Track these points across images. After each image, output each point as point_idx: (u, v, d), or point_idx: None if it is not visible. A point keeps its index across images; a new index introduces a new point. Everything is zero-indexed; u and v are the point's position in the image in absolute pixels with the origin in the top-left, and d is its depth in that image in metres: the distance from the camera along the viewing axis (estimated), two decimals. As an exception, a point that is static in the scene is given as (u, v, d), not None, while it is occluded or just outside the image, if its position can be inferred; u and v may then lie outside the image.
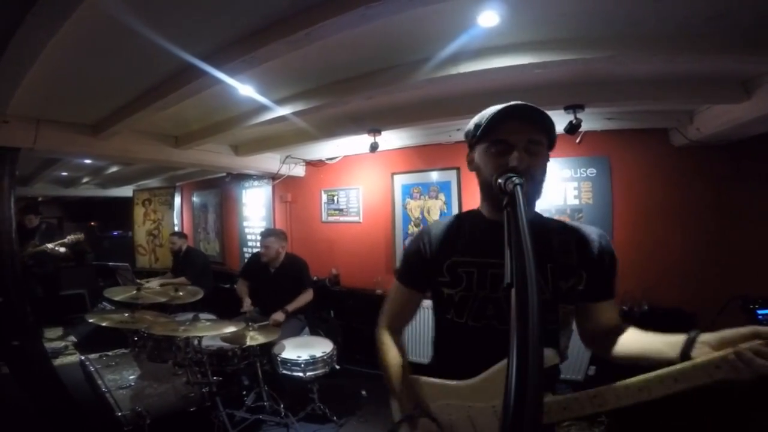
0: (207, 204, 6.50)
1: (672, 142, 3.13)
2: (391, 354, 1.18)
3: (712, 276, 2.97)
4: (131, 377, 2.85)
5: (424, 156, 4.16)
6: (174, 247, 5.02)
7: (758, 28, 1.71)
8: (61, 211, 9.74)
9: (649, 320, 3.03)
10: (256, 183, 5.61)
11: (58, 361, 4.02)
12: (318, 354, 2.88)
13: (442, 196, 4.06)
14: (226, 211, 6.18)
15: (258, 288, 3.71)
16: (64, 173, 6.41)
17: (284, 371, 2.88)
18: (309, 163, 5.07)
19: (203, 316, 3.16)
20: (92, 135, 3.28)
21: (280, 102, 2.76)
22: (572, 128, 2.63)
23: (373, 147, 3.39)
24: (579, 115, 2.60)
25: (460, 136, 3.61)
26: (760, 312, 2.38)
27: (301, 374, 2.83)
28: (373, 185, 4.54)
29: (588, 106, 2.57)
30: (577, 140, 3.40)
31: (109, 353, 3.26)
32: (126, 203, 7.58)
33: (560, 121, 2.75)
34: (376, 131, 3.33)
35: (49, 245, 4.51)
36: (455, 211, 3.97)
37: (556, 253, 1.03)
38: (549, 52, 1.92)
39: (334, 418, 2.97)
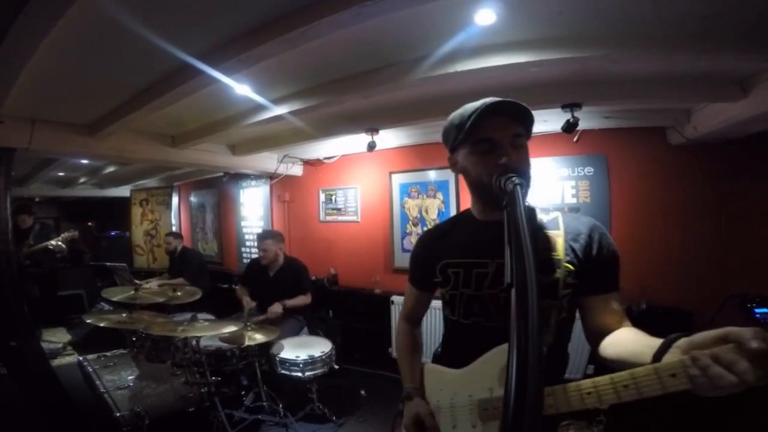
0: (204, 204, 6.49)
1: (669, 141, 3.13)
2: (405, 345, 1.35)
3: (710, 274, 2.98)
4: (130, 377, 2.85)
5: (422, 155, 4.16)
6: (169, 247, 5.01)
7: (755, 27, 1.71)
8: (59, 211, 9.71)
9: (647, 319, 3.03)
10: (253, 182, 5.60)
11: (56, 362, 4.01)
12: (317, 354, 2.88)
13: (440, 195, 4.06)
14: (223, 211, 6.16)
15: (258, 291, 3.70)
16: (61, 173, 6.38)
17: (283, 371, 2.88)
18: (307, 163, 5.07)
19: (201, 316, 3.16)
20: (88, 135, 3.26)
21: (277, 101, 2.75)
22: (569, 127, 2.63)
23: (371, 146, 3.38)
24: (576, 114, 2.60)
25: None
26: (757, 310, 2.39)
27: (299, 374, 2.82)
28: (371, 184, 4.53)
29: (585, 105, 2.57)
30: (575, 139, 3.40)
31: (108, 354, 3.25)
32: (123, 203, 7.56)
33: (557, 119, 2.76)
34: (373, 130, 3.32)
35: (52, 242, 4.52)
36: (453, 209, 3.97)
37: (537, 247, 1.01)
38: (546, 50, 1.92)
39: (333, 417, 2.98)
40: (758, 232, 2.79)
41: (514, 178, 0.80)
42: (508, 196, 0.77)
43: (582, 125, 2.95)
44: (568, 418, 0.91)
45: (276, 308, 3.29)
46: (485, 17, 1.71)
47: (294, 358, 2.84)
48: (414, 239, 4.16)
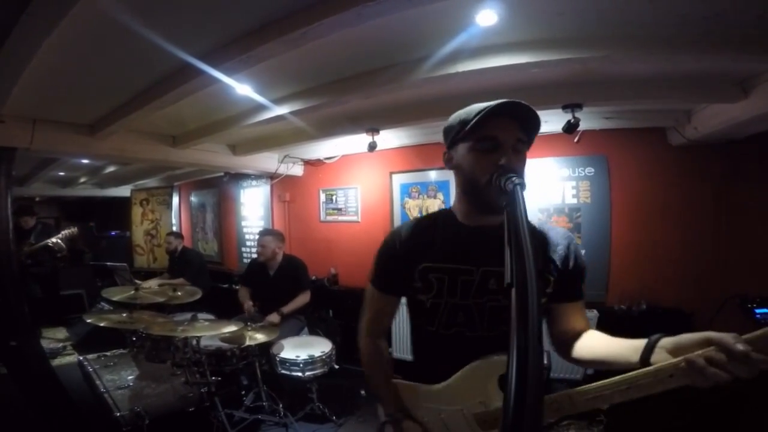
0: (205, 204, 6.49)
1: (670, 141, 3.13)
2: (375, 362, 1.19)
3: (710, 275, 2.98)
4: (130, 377, 2.85)
5: (423, 155, 4.16)
6: (170, 247, 5.00)
7: (755, 28, 1.71)
8: (59, 211, 9.71)
9: (647, 319, 3.04)
10: (254, 182, 5.60)
11: (56, 362, 4.01)
12: (317, 354, 2.88)
13: (440, 196, 4.07)
14: (224, 211, 6.17)
15: (258, 291, 3.71)
16: (62, 173, 6.39)
17: (283, 371, 2.88)
18: (307, 163, 5.07)
19: (201, 316, 3.16)
20: (89, 135, 3.27)
21: (278, 101, 2.75)
22: (570, 127, 2.63)
23: (372, 146, 3.39)
24: (577, 114, 2.60)
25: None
26: (758, 311, 2.39)
27: (299, 374, 2.82)
28: (372, 184, 4.53)
29: (586, 105, 2.57)
30: (576, 139, 3.40)
31: (108, 353, 3.25)
32: (124, 203, 7.57)
33: (558, 120, 2.76)
34: (374, 130, 3.33)
35: (51, 240, 4.52)
36: (454, 210, 3.96)
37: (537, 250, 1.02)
38: (547, 51, 1.92)
39: (333, 417, 2.97)
40: (759, 232, 2.79)
41: (514, 178, 0.79)
42: (508, 196, 0.77)
43: (582, 126, 2.95)
44: (569, 418, 0.92)
45: (273, 318, 3.30)
46: (486, 18, 1.71)
47: (294, 357, 2.84)
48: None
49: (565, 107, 2.58)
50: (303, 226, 5.18)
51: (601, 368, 0.95)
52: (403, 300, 1.19)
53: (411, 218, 4.11)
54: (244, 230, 5.76)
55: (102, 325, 2.84)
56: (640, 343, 0.84)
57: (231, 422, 2.70)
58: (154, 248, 7.00)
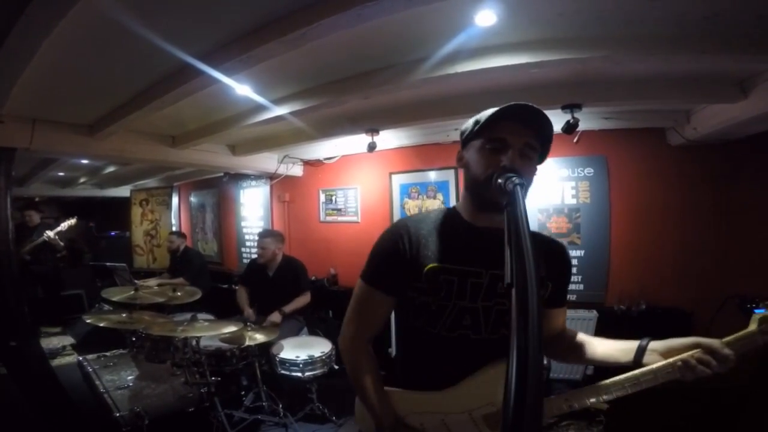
0: (205, 204, 6.49)
1: (669, 142, 3.14)
2: (365, 369, 1.11)
3: (709, 275, 2.98)
4: (129, 378, 2.84)
5: (422, 156, 4.16)
6: (172, 246, 5.00)
7: (755, 28, 1.72)
8: (58, 211, 9.67)
9: (647, 319, 3.04)
10: (253, 183, 5.60)
11: (55, 362, 3.99)
12: (316, 354, 2.88)
13: (440, 196, 4.07)
14: (223, 211, 6.17)
15: (257, 291, 3.71)
16: (61, 173, 6.39)
17: (283, 371, 2.87)
18: (307, 163, 5.07)
19: (201, 316, 3.16)
20: (89, 135, 3.27)
21: (278, 102, 2.75)
22: (570, 128, 2.63)
23: (371, 147, 3.39)
24: (576, 115, 2.61)
25: (458, 136, 3.60)
26: (757, 311, 2.39)
27: (299, 374, 2.82)
28: (371, 185, 4.54)
29: (585, 106, 2.57)
30: (575, 140, 3.41)
31: (107, 354, 3.25)
32: (123, 203, 7.56)
33: (558, 120, 2.75)
34: (373, 131, 3.33)
35: (50, 233, 4.53)
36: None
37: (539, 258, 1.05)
38: (546, 51, 1.92)
39: (333, 417, 2.97)
40: (758, 232, 2.79)
41: (514, 178, 0.78)
42: (508, 196, 0.76)
43: (582, 126, 2.96)
44: (569, 418, 0.94)
45: (275, 317, 3.30)
46: (486, 18, 1.71)
47: (294, 358, 2.84)
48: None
49: (564, 107, 2.59)
50: (302, 226, 5.18)
51: (593, 365, 1.10)
52: None
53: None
54: (244, 230, 5.76)
55: (102, 325, 2.84)
56: (630, 346, 1.02)
57: (231, 422, 2.70)
58: (154, 248, 6.99)
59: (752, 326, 0.92)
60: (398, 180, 4.32)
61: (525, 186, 0.77)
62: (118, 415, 2.37)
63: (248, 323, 2.94)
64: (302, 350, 2.94)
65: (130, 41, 1.82)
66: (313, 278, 4.36)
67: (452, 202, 3.98)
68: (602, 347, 1.10)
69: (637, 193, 3.26)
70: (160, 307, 3.46)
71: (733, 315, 2.50)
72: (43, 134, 3.02)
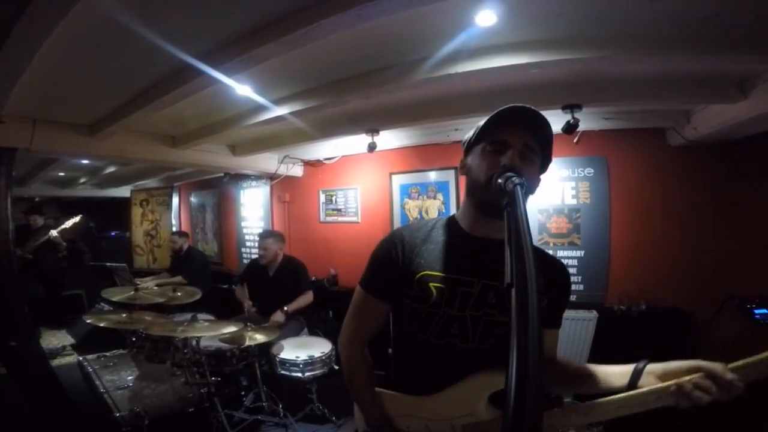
0: (205, 204, 6.49)
1: (669, 142, 3.14)
2: (359, 369, 1.15)
3: (709, 275, 2.98)
4: (129, 378, 2.84)
5: (422, 156, 4.16)
6: (175, 246, 4.99)
7: (754, 28, 1.72)
8: (59, 211, 9.67)
9: (647, 320, 3.04)
10: (254, 183, 5.60)
11: (56, 362, 4.00)
12: (316, 354, 2.88)
13: (440, 196, 4.07)
14: (224, 212, 6.17)
15: (257, 291, 3.70)
16: (61, 173, 6.39)
17: (283, 371, 2.87)
18: (307, 163, 5.07)
19: (201, 316, 3.16)
20: (89, 135, 3.27)
21: (278, 102, 2.75)
22: (570, 128, 2.63)
23: (371, 147, 3.39)
24: (576, 115, 2.61)
25: (458, 136, 3.62)
26: (757, 311, 2.40)
27: (299, 374, 2.82)
28: (372, 185, 4.53)
29: (585, 106, 2.57)
30: (575, 140, 3.41)
31: (107, 354, 3.25)
32: (123, 203, 7.57)
33: (558, 120, 2.76)
34: (374, 131, 3.33)
35: (53, 232, 4.55)
36: (453, 210, 3.96)
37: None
38: (546, 51, 1.93)
39: (333, 418, 2.97)
40: (758, 232, 2.79)
41: (514, 178, 0.78)
42: (507, 196, 0.76)
43: (582, 126, 2.96)
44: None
45: (278, 317, 3.29)
46: (486, 18, 1.71)
47: (294, 358, 2.84)
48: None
49: (564, 108, 2.59)
50: (303, 226, 5.18)
51: (586, 393, 0.99)
52: None
53: (411, 220, 4.16)
54: (244, 231, 5.76)
55: (102, 325, 2.84)
56: (626, 369, 0.94)
57: (231, 423, 2.70)
58: (154, 249, 6.99)
59: None
60: (398, 180, 4.32)
61: (526, 187, 0.77)
62: (118, 415, 2.37)
63: (248, 323, 2.94)
64: (302, 350, 2.94)
65: (131, 41, 1.82)
66: (313, 278, 4.36)
67: (452, 202, 3.98)
68: (597, 372, 1.00)
69: (637, 194, 3.25)
70: (160, 307, 3.46)
71: (733, 315, 2.50)
72: (43, 134, 3.03)
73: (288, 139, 3.80)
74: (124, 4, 1.57)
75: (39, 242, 4.59)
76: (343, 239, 4.77)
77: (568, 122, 2.62)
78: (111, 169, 5.78)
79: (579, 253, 3.39)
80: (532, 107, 0.94)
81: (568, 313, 1.16)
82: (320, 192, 4.96)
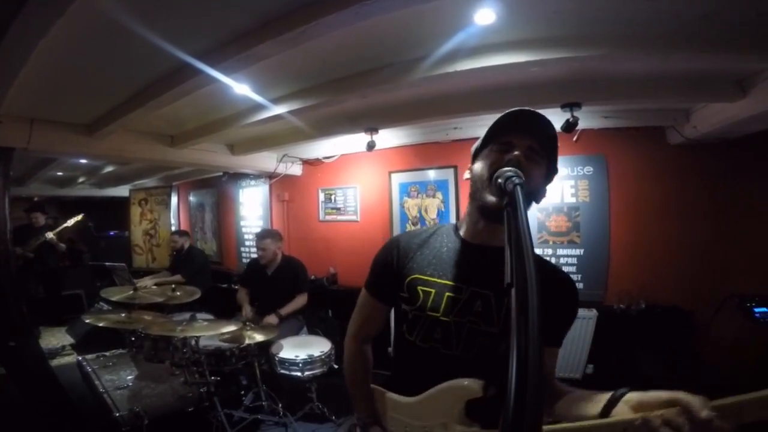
0: (204, 203, 6.48)
1: (669, 140, 3.13)
2: (357, 365, 1.22)
3: (709, 274, 2.98)
4: (129, 377, 2.84)
5: (422, 154, 4.15)
6: (176, 246, 4.99)
7: (754, 27, 1.72)
8: (57, 211, 9.66)
9: (646, 318, 3.04)
10: (252, 182, 5.59)
11: (55, 362, 4.01)
12: (316, 353, 2.88)
13: (439, 195, 4.06)
14: (223, 211, 6.16)
15: (256, 291, 3.71)
16: (60, 173, 6.38)
17: (282, 371, 2.87)
18: (306, 162, 5.06)
19: (201, 316, 3.15)
20: (87, 134, 3.26)
21: (276, 101, 2.75)
22: (569, 126, 2.63)
23: (370, 146, 3.38)
24: (576, 114, 2.60)
25: (458, 135, 3.61)
26: (756, 310, 2.40)
27: (299, 374, 2.82)
28: (371, 184, 4.53)
29: (585, 105, 2.57)
30: (574, 138, 3.40)
31: (107, 353, 3.25)
32: (122, 203, 7.55)
33: (557, 119, 2.75)
34: (373, 130, 3.32)
35: (50, 234, 4.54)
36: (452, 209, 3.98)
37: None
38: (545, 50, 1.92)
39: (333, 417, 2.97)
40: (757, 231, 2.79)
41: (514, 178, 0.78)
42: (508, 196, 0.76)
43: (581, 125, 2.95)
44: None
45: (271, 320, 3.31)
46: (485, 17, 1.71)
47: (293, 357, 2.84)
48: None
49: (563, 106, 2.58)
50: (302, 225, 5.17)
51: (559, 418, 0.92)
52: None
53: (410, 218, 4.16)
54: (243, 230, 5.75)
55: (101, 325, 2.83)
56: (605, 396, 0.84)
57: (230, 422, 2.70)
58: (153, 248, 6.98)
59: None
60: (397, 179, 4.31)
61: (526, 188, 0.76)
62: (117, 415, 2.37)
63: (246, 324, 2.94)
64: (302, 350, 2.94)
65: (128, 40, 1.82)
66: (313, 277, 4.36)
67: (451, 201, 3.98)
68: (575, 396, 0.94)
69: (637, 192, 3.25)
70: (159, 306, 3.45)
71: (733, 314, 2.50)
72: (41, 134, 3.01)
73: (287, 138, 3.79)
74: (121, 2, 1.56)
75: (40, 241, 4.59)
76: (342, 238, 4.76)
77: (567, 120, 2.62)
78: (109, 168, 5.77)
79: (578, 252, 3.39)
80: (537, 111, 0.96)
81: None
82: (319, 191, 4.95)
